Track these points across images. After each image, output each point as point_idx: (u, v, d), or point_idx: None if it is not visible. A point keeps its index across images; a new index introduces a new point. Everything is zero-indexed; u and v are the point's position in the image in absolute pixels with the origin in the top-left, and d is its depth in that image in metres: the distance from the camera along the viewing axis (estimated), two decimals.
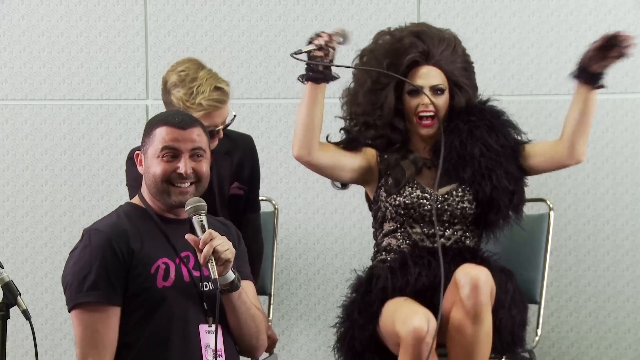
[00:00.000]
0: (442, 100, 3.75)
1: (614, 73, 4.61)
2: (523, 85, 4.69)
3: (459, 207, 3.71)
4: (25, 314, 2.84)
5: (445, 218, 3.71)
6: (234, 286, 3.08)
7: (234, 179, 4.05)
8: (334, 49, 3.62)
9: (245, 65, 4.77)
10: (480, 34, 4.68)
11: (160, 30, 4.79)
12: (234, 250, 3.05)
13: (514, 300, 3.63)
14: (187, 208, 3.06)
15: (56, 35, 4.81)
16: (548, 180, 4.64)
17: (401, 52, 3.76)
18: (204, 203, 3.07)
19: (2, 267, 2.86)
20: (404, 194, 3.72)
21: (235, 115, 3.95)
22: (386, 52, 3.79)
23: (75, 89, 4.81)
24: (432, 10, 4.69)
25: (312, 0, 4.74)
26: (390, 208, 3.74)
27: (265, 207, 4.53)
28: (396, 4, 4.71)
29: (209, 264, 2.98)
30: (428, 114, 3.72)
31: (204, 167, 3.16)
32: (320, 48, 3.59)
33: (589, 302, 4.65)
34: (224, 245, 3.01)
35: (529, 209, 4.42)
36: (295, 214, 4.75)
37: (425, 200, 3.70)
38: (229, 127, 4.07)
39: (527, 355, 3.95)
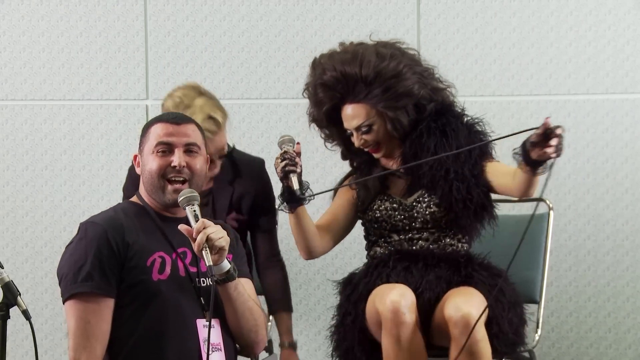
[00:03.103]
0: (373, 134, 3.74)
1: (614, 73, 4.64)
2: (523, 85, 4.69)
3: (427, 212, 3.73)
4: (25, 314, 2.84)
5: (417, 225, 3.74)
6: (230, 276, 3.09)
7: (231, 209, 3.99)
8: (297, 163, 3.61)
9: (245, 65, 4.77)
10: (480, 34, 4.68)
11: (160, 30, 4.79)
12: (228, 238, 3.06)
13: (510, 304, 3.62)
14: (180, 199, 3.09)
15: (56, 35, 4.81)
16: (548, 181, 4.64)
17: (318, 105, 3.83)
18: (196, 194, 3.10)
19: (2, 267, 2.86)
20: (374, 208, 3.78)
21: (233, 147, 3.95)
22: (312, 104, 3.89)
23: (75, 89, 4.81)
24: (432, 10, 4.69)
25: (312, 0, 4.74)
26: (367, 224, 3.82)
27: None
28: (396, 4, 4.71)
29: (203, 252, 2.99)
30: (368, 149, 3.78)
31: (198, 163, 3.18)
32: (293, 169, 3.59)
33: (589, 302, 4.65)
34: (218, 234, 3.03)
35: (529, 209, 4.43)
36: None
37: (394, 211, 3.75)
38: (240, 151, 4.11)
39: (527, 355, 3.95)
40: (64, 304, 3.10)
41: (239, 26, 4.77)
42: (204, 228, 3.02)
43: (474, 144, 3.71)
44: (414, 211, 3.73)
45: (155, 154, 3.17)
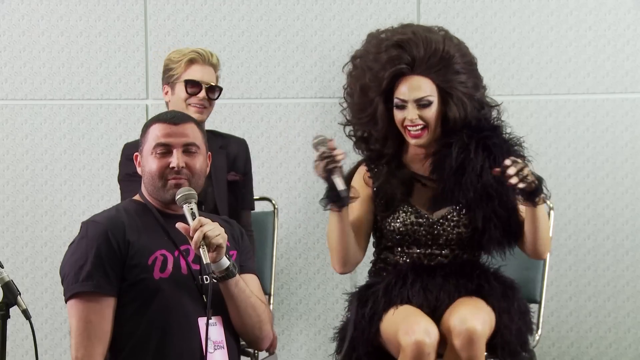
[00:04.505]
0: (430, 112, 3.56)
1: (614, 73, 4.64)
2: (523, 85, 4.69)
3: (454, 232, 3.61)
4: (25, 313, 2.84)
5: (441, 242, 3.61)
6: (229, 273, 3.09)
7: (229, 169, 4.17)
8: (337, 160, 3.45)
9: (245, 65, 4.77)
10: (480, 34, 4.68)
11: (160, 30, 4.79)
12: (225, 236, 3.06)
13: (519, 314, 3.60)
14: (177, 197, 3.09)
15: (56, 35, 4.81)
16: (548, 181, 4.62)
17: (385, 64, 3.60)
18: (193, 192, 3.11)
19: (2, 267, 2.86)
20: (399, 220, 3.63)
21: (221, 89, 4.14)
22: (371, 65, 3.65)
23: (75, 89, 4.81)
24: (432, 10, 4.69)
25: (312, 0, 4.74)
26: (385, 231, 3.66)
27: (265, 207, 4.53)
28: (396, 4, 4.71)
29: (201, 250, 2.99)
30: (415, 128, 3.57)
31: (198, 163, 3.18)
32: (335, 165, 3.43)
33: (589, 302, 4.65)
34: (215, 231, 3.03)
35: None
36: (295, 214, 4.75)
37: (419, 227, 3.61)
38: (223, 131, 4.25)
39: (527, 355, 3.95)
40: (66, 303, 3.10)
41: (239, 26, 4.77)
42: (200, 226, 3.02)
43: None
44: (440, 229, 3.61)
45: (154, 155, 3.17)
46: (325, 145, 3.45)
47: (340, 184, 3.41)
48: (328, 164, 3.41)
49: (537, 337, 4.10)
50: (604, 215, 4.65)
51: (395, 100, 3.59)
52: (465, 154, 3.57)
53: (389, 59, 3.60)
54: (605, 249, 4.64)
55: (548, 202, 4.23)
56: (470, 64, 3.68)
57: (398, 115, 3.59)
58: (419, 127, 3.57)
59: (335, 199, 3.48)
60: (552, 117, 4.66)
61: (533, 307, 4.03)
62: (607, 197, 4.64)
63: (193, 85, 4.06)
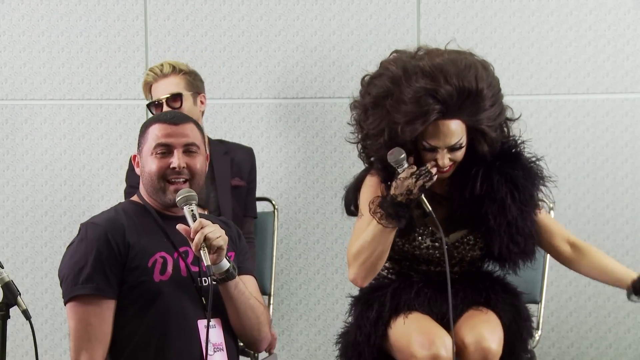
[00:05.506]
0: (460, 153, 3.46)
1: (614, 73, 4.64)
2: (523, 85, 4.69)
3: (469, 254, 3.58)
4: (25, 314, 2.84)
5: (453, 262, 3.57)
6: (229, 275, 3.08)
7: (234, 175, 4.23)
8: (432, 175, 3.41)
9: (245, 65, 4.77)
10: (480, 34, 4.68)
11: (160, 30, 4.79)
12: (226, 237, 3.05)
13: (523, 324, 3.60)
14: (178, 198, 3.08)
15: (56, 35, 4.81)
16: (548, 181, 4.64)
17: (418, 116, 3.40)
18: (194, 193, 3.10)
19: (2, 267, 2.86)
20: (414, 244, 3.55)
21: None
22: (402, 112, 3.42)
23: (75, 89, 4.81)
24: (432, 10, 4.69)
25: (312, 0, 4.74)
26: (396, 248, 3.55)
27: (265, 207, 4.53)
28: (396, 4, 4.71)
29: (201, 252, 2.99)
30: (446, 167, 3.46)
31: (198, 163, 3.17)
32: (431, 183, 3.39)
33: (589, 302, 4.65)
34: (216, 233, 3.02)
35: None
36: (295, 214, 4.75)
37: (434, 250, 3.54)
38: (224, 131, 4.33)
39: (527, 355, 3.95)
40: (65, 305, 3.09)
41: (239, 26, 4.77)
42: (201, 228, 3.01)
43: (533, 189, 3.54)
44: (455, 252, 3.56)
45: (154, 156, 3.16)
46: (407, 160, 3.38)
47: (427, 203, 3.35)
48: (426, 182, 3.36)
49: (537, 337, 4.09)
50: (604, 215, 4.65)
51: (425, 144, 3.45)
52: (488, 183, 3.51)
53: (422, 112, 3.41)
54: (605, 249, 4.62)
55: (548, 202, 4.24)
56: (497, 92, 3.53)
57: (428, 156, 3.46)
58: (448, 166, 3.49)
59: (403, 215, 3.38)
60: (552, 117, 4.66)
61: (533, 307, 4.03)
62: (607, 197, 4.64)
63: (155, 107, 4.21)
